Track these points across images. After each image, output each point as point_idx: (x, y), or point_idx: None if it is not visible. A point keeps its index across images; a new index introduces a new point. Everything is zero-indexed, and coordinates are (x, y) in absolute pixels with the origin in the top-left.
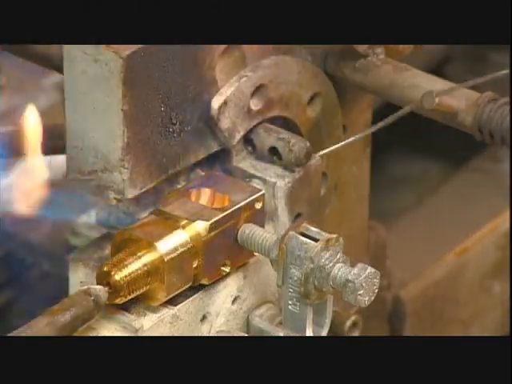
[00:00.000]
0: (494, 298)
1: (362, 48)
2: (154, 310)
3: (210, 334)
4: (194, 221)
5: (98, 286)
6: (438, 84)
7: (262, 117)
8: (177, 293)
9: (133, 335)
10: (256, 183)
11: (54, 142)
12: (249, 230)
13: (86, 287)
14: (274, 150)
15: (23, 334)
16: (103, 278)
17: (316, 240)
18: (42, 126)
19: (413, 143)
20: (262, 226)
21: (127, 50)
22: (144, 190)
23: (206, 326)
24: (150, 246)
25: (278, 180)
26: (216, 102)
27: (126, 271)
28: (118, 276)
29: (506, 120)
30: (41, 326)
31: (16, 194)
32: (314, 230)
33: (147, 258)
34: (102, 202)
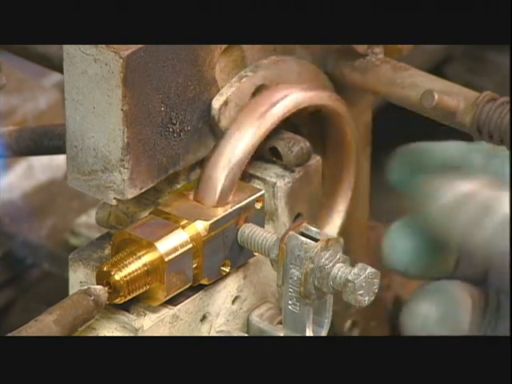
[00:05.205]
0: None
1: (361, 48)
2: (154, 309)
3: (210, 334)
4: (193, 221)
5: (98, 286)
6: (437, 84)
7: None
8: (177, 293)
9: (133, 335)
10: (256, 183)
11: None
12: (249, 230)
13: (86, 287)
14: (274, 150)
15: (23, 334)
16: (103, 278)
17: (316, 240)
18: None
19: (412, 143)
20: (262, 226)
21: (127, 49)
22: (144, 190)
23: (206, 326)
24: (150, 246)
25: (278, 180)
26: (217, 102)
27: (125, 271)
28: (118, 276)
29: (505, 119)
30: (41, 326)
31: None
32: (314, 229)
33: (147, 257)
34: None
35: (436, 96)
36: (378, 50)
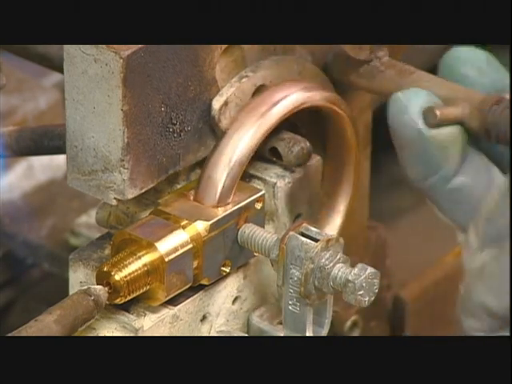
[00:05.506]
0: None
1: (363, 55)
2: (154, 310)
3: (210, 334)
4: (194, 221)
5: (98, 286)
6: (442, 87)
7: None
8: (177, 293)
9: (133, 335)
10: (256, 183)
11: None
12: (249, 230)
13: (86, 287)
14: (274, 150)
15: (23, 334)
16: (103, 278)
17: (316, 240)
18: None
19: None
20: (262, 226)
21: (127, 49)
22: (144, 190)
23: (206, 326)
24: (150, 246)
25: (278, 180)
26: (217, 103)
27: (125, 271)
28: (118, 276)
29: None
30: (41, 326)
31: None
32: (314, 230)
33: (147, 258)
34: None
35: (438, 113)
36: (382, 53)
